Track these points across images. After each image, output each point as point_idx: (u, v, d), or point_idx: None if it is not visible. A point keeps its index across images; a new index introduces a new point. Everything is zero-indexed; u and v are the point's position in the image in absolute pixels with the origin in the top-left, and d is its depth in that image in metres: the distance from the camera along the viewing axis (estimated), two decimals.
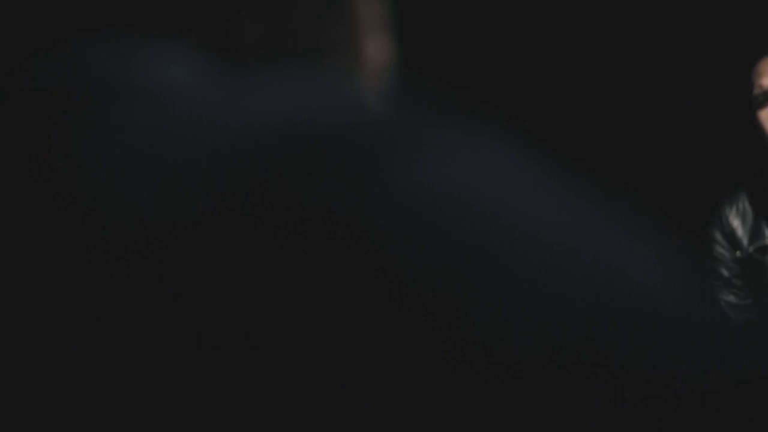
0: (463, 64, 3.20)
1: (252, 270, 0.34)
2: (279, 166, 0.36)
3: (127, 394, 0.34)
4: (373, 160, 0.36)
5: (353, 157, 0.36)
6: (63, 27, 0.45)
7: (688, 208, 3.21)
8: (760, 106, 2.44)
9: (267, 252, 0.34)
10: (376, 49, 0.49)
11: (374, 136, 0.37)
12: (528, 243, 0.35)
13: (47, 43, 0.44)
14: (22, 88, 0.41)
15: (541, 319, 0.34)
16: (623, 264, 0.36)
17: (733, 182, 2.62)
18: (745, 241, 2.52)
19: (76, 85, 0.40)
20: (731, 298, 2.51)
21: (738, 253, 2.52)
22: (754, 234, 2.51)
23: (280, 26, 0.44)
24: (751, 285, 2.52)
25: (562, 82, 3.47)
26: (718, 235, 2.55)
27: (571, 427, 0.33)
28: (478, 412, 0.33)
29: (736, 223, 2.53)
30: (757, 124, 2.47)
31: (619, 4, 3.52)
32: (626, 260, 0.36)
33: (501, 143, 0.38)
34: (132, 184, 0.36)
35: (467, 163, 0.37)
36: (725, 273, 2.53)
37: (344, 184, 0.35)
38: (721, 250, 2.54)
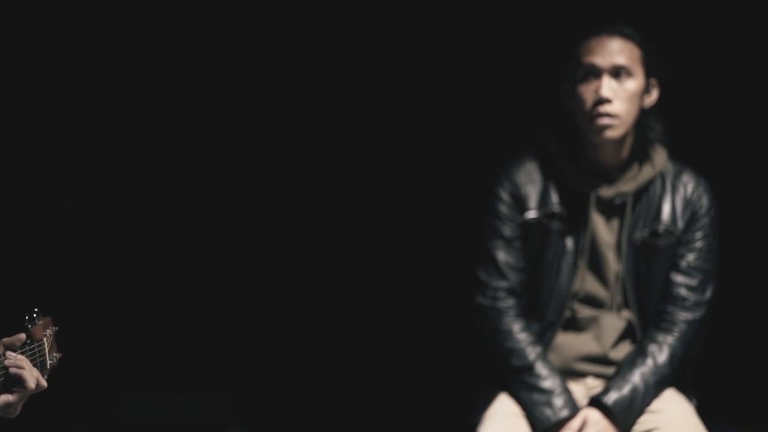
0: None
1: None
2: None
3: None
4: None
5: None
6: None
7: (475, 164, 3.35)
8: (582, 80, 2.54)
9: None
10: None
11: None
12: None
13: None
14: None
15: None
16: None
17: (521, 148, 2.70)
18: (533, 206, 2.61)
19: None
20: (510, 258, 2.60)
21: (526, 216, 2.61)
22: (543, 200, 2.61)
23: None
24: (531, 247, 2.61)
25: None
26: (506, 196, 2.62)
27: None
28: None
29: (526, 187, 2.61)
30: (573, 96, 2.56)
31: None
32: None
33: None
34: None
35: None
36: (508, 233, 2.61)
37: None
38: (508, 211, 2.62)
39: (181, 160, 3.58)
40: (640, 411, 2.49)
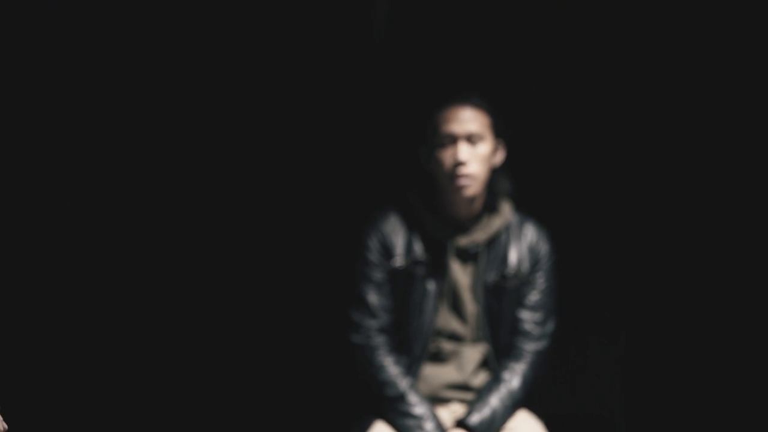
0: None
1: None
2: None
3: None
4: None
5: None
6: None
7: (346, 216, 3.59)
8: (440, 145, 2.86)
9: None
10: None
11: None
12: None
13: None
14: None
15: None
16: None
17: (387, 202, 3.00)
18: (399, 253, 2.92)
19: None
20: (380, 301, 2.88)
21: (393, 263, 2.92)
22: (407, 248, 2.92)
23: None
24: (398, 291, 2.91)
25: None
26: (375, 245, 2.91)
27: None
28: None
29: (392, 237, 2.91)
30: (432, 159, 2.88)
31: None
32: None
33: None
34: None
35: None
36: (378, 277, 2.90)
37: None
38: (377, 258, 2.90)
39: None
40: (499, 429, 2.81)
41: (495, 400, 2.83)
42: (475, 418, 2.80)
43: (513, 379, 2.87)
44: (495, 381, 2.88)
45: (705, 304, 3.91)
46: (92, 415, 3.69)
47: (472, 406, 2.84)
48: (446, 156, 2.84)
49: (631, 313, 3.95)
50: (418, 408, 2.80)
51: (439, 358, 2.92)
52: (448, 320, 2.91)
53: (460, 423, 2.81)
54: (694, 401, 3.88)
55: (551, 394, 3.54)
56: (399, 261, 2.90)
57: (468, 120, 2.85)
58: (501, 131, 2.93)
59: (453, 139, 2.84)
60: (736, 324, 3.87)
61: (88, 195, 3.68)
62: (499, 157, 2.95)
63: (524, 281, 2.94)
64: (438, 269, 2.91)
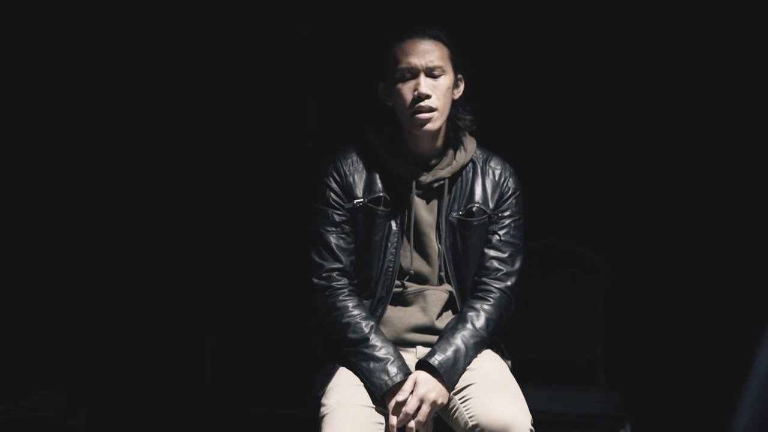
0: None
1: None
2: None
3: None
4: None
5: None
6: None
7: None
8: (400, 80, 2.76)
9: None
10: None
11: None
12: None
13: None
14: None
15: None
16: None
17: (345, 143, 2.91)
18: (359, 193, 2.83)
19: None
20: (341, 242, 2.81)
21: (355, 202, 2.82)
22: (369, 187, 2.83)
23: None
24: (360, 230, 2.83)
25: None
26: (334, 185, 2.83)
27: None
28: None
29: (352, 177, 2.83)
30: (392, 94, 2.78)
31: None
32: None
33: None
34: None
35: None
36: (337, 218, 2.82)
37: None
38: (336, 198, 2.82)
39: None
40: (463, 369, 2.72)
41: (459, 340, 2.75)
42: (438, 358, 2.72)
43: (477, 318, 2.80)
44: (459, 321, 2.80)
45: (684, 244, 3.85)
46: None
47: (435, 346, 2.76)
48: (407, 90, 2.75)
49: (610, 249, 3.88)
50: (382, 350, 2.72)
51: (402, 300, 2.85)
52: (411, 260, 2.83)
53: (423, 363, 2.74)
54: (674, 344, 3.83)
55: (523, 336, 3.47)
56: (359, 199, 2.81)
57: (428, 52, 2.76)
58: (461, 64, 2.83)
59: (413, 73, 2.75)
60: (716, 267, 3.80)
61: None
62: (460, 91, 2.86)
63: (490, 218, 2.87)
64: (401, 207, 2.83)
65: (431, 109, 2.74)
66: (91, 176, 3.73)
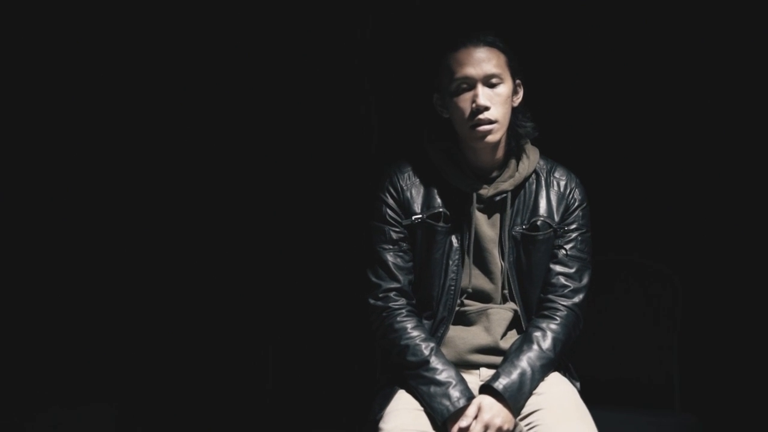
0: None
1: None
2: None
3: None
4: None
5: None
6: None
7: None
8: (456, 92, 2.64)
9: None
10: None
11: None
12: None
13: None
14: None
15: None
16: None
17: (402, 156, 2.81)
18: (418, 209, 2.72)
19: None
20: (398, 260, 2.70)
21: (413, 219, 2.71)
22: (427, 202, 2.72)
23: None
24: (419, 248, 2.71)
25: None
26: (391, 201, 2.72)
27: None
28: None
29: (409, 192, 2.72)
30: (449, 107, 2.67)
31: None
32: None
33: None
34: None
35: None
36: (395, 236, 2.71)
37: None
38: (393, 215, 2.72)
39: None
40: (529, 393, 2.59)
41: (524, 362, 2.62)
42: (503, 382, 2.59)
43: (544, 338, 2.66)
44: (525, 341, 2.67)
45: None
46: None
47: (499, 369, 2.63)
48: (465, 102, 2.64)
49: (684, 262, 3.71)
50: (444, 374, 2.61)
51: (465, 319, 2.73)
52: (473, 278, 2.71)
53: (487, 387, 2.61)
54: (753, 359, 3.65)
55: (591, 355, 3.31)
56: (418, 215, 2.70)
57: (484, 61, 2.65)
58: (518, 70, 2.72)
59: (470, 83, 2.64)
60: None
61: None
62: (519, 97, 2.74)
63: (556, 232, 2.74)
64: (461, 223, 2.71)
65: (491, 121, 2.63)
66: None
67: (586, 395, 2.67)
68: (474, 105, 2.61)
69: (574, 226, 2.75)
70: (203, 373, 3.72)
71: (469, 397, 2.58)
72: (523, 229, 2.72)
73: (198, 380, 3.73)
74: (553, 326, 2.67)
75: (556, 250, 2.73)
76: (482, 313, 2.71)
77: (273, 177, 3.76)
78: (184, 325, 3.75)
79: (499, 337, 2.71)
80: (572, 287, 2.71)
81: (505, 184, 2.71)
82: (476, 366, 2.71)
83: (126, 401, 3.62)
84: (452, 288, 2.70)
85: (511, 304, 2.72)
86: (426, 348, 2.63)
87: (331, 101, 3.74)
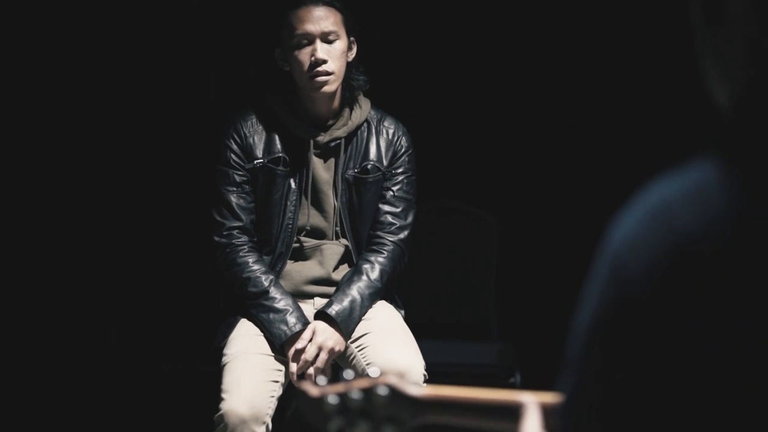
0: None
1: None
2: None
3: None
4: None
5: None
6: None
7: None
8: (297, 47, 2.87)
9: None
10: None
11: None
12: None
13: None
14: None
15: None
16: None
17: (246, 106, 3.01)
18: (259, 154, 2.94)
19: None
20: (241, 201, 2.92)
21: (255, 163, 2.93)
22: (268, 148, 2.95)
23: None
24: (260, 189, 2.94)
25: None
26: (234, 146, 2.93)
27: None
28: None
29: (252, 139, 2.94)
30: (289, 60, 2.90)
31: None
32: None
33: None
34: None
35: None
36: (238, 179, 2.92)
37: None
38: (237, 159, 2.92)
39: None
40: (359, 319, 2.87)
41: (354, 291, 2.89)
42: (335, 308, 2.86)
43: (372, 270, 2.93)
44: (355, 273, 2.94)
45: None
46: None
47: (332, 297, 2.90)
48: (303, 55, 2.86)
49: (504, 209, 4.03)
50: (281, 302, 2.85)
51: (301, 254, 2.97)
52: (310, 217, 2.95)
53: (320, 313, 2.87)
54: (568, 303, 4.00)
55: (419, 293, 3.61)
56: (259, 159, 2.92)
57: (322, 18, 2.88)
58: (353, 28, 2.96)
59: (309, 39, 2.87)
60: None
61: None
62: (353, 53, 2.98)
63: (384, 175, 3.00)
64: (299, 167, 2.94)
65: (328, 73, 2.86)
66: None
67: (414, 331, 2.93)
68: (313, 58, 2.84)
69: (401, 170, 3.01)
70: (49, 320, 3.81)
71: (305, 323, 2.84)
72: (355, 172, 2.97)
73: (43, 328, 3.82)
74: (380, 259, 2.95)
75: (384, 192, 2.99)
76: (317, 248, 2.96)
77: (121, 127, 3.88)
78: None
79: (332, 269, 2.96)
80: (398, 224, 2.99)
81: (340, 131, 2.96)
82: (311, 296, 2.97)
83: None
84: (290, 226, 2.93)
85: (343, 240, 2.98)
86: (266, 280, 2.87)
87: (172, 55, 3.88)
